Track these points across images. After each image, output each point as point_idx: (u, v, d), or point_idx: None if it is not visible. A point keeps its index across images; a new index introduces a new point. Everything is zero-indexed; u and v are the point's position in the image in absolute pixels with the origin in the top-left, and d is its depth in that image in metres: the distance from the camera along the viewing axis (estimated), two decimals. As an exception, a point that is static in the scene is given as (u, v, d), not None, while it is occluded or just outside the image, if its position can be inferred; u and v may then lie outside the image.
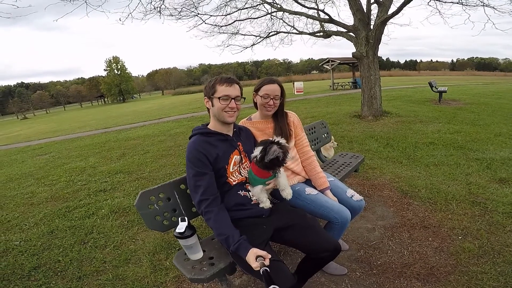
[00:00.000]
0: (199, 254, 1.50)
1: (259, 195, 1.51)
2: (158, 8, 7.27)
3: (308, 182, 1.90)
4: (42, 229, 2.93)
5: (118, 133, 9.68)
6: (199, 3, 7.69)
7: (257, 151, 1.44)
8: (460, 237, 2.19)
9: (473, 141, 4.67)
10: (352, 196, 1.80)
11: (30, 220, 3.18)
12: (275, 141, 1.41)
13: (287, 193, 1.59)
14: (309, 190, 1.76)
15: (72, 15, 5.45)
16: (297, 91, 18.86)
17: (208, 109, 1.55)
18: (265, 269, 1.11)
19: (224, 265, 1.44)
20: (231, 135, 1.56)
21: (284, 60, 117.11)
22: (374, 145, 4.82)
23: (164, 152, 5.86)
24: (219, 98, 1.45)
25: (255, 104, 1.84)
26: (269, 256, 1.21)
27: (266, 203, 1.52)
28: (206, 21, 8.34)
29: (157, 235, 2.57)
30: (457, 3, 6.69)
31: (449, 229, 2.31)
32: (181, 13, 7.73)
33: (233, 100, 1.46)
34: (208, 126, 1.56)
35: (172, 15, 7.70)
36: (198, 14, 7.99)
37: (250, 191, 1.55)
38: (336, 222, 1.62)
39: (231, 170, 1.49)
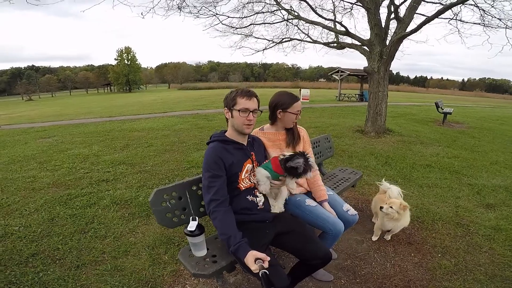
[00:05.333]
0: (203, 252, 1.60)
1: (262, 177, 1.61)
2: (179, 5, 7.38)
3: (308, 194, 2.02)
4: (43, 215, 2.95)
5: (122, 123, 9.76)
6: (217, 2, 7.79)
7: (287, 154, 1.58)
8: (439, 255, 2.36)
9: (469, 167, 4.80)
10: (348, 210, 1.93)
11: (31, 206, 3.19)
12: (306, 155, 1.54)
13: (278, 207, 1.72)
14: (309, 202, 1.88)
15: (98, 6, 5.49)
16: (302, 99, 18.90)
17: (227, 119, 1.63)
18: (264, 271, 1.15)
19: (225, 263, 1.53)
20: (245, 145, 1.66)
21: (292, 65, 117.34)
22: (373, 162, 4.91)
23: (168, 147, 5.94)
24: (239, 110, 1.54)
25: (276, 118, 1.91)
26: (268, 258, 1.26)
27: (265, 187, 1.62)
28: (222, 22, 8.45)
29: (157, 229, 2.64)
30: (479, 23, 6.74)
31: (431, 247, 2.47)
32: (200, 11, 7.86)
33: (251, 113, 1.55)
34: (225, 134, 1.65)
35: (191, 13, 7.85)
36: (216, 14, 8.09)
37: (257, 196, 1.65)
38: (330, 232, 1.75)
39: (242, 176, 1.59)
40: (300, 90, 20.01)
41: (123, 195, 3.43)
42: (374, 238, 2.56)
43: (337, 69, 21.85)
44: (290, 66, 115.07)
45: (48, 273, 2.07)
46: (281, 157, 1.59)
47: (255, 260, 1.25)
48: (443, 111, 9.84)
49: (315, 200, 1.94)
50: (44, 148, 6.19)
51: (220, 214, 1.45)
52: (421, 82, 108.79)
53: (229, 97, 1.58)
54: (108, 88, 62.39)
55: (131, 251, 2.34)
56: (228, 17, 8.42)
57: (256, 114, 1.59)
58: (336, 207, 1.93)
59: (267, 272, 1.14)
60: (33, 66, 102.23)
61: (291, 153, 1.59)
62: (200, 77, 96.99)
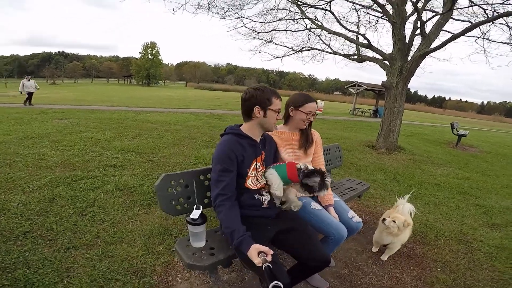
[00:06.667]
0: (202, 243, 1.58)
1: (276, 180, 1.59)
2: (208, 5, 7.54)
3: (314, 197, 1.98)
4: (44, 194, 2.94)
5: (137, 113, 9.96)
6: (243, 5, 7.89)
7: (311, 167, 1.58)
8: (439, 269, 2.34)
9: (478, 189, 4.74)
10: (353, 217, 1.92)
11: (35, 183, 3.18)
12: (325, 176, 1.53)
13: (296, 205, 1.71)
14: (314, 205, 1.87)
15: None
16: (316, 110, 18.78)
17: (250, 116, 1.57)
18: (267, 265, 1.13)
19: (223, 257, 1.51)
20: (258, 142, 1.63)
21: (309, 75, 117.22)
22: (381, 177, 4.83)
23: (178, 141, 5.98)
24: (274, 110, 1.56)
25: (288, 116, 1.92)
26: (272, 252, 1.25)
27: (279, 192, 1.59)
28: (246, 25, 8.57)
29: (156, 219, 2.63)
30: (507, 43, 6.59)
31: (431, 261, 2.45)
32: (226, 12, 7.98)
33: (278, 113, 1.60)
34: (241, 128, 1.63)
35: (218, 14, 7.99)
36: (241, 17, 8.20)
37: (263, 195, 1.64)
38: (332, 237, 1.73)
39: (249, 174, 1.57)
40: (315, 100, 19.88)
41: (127, 182, 3.44)
42: (374, 250, 2.52)
43: (354, 83, 21.70)
44: (306, 76, 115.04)
45: (36, 253, 2.01)
46: (300, 166, 1.56)
47: (258, 253, 1.25)
48: (458, 133, 9.58)
49: (320, 204, 1.92)
50: (59, 128, 6.37)
51: (225, 208, 1.44)
52: (438, 102, 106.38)
53: (262, 96, 1.54)
54: (128, 80, 63.83)
55: (126, 238, 2.31)
56: (252, 20, 8.53)
57: None
58: (341, 214, 1.92)
59: (270, 266, 1.13)
60: (63, 52, 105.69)
61: (311, 169, 1.55)
62: (217, 78, 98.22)
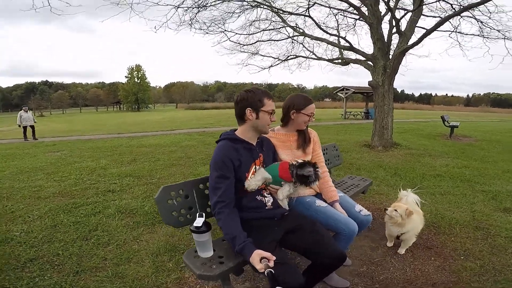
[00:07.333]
0: (210, 252, 1.53)
1: (257, 176, 1.54)
2: (190, 21, 7.62)
3: (318, 195, 1.97)
4: (46, 222, 2.93)
5: (130, 139, 9.90)
6: (225, 19, 8.03)
7: (299, 160, 1.55)
8: (462, 257, 2.29)
9: (481, 176, 4.78)
10: (361, 211, 1.87)
11: (35, 213, 3.18)
12: (316, 167, 1.52)
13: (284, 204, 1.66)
14: (319, 202, 1.82)
15: (115, 19, 5.68)
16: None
17: (243, 119, 1.57)
18: (269, 270, 1.11)
19: (233, 264, 1.47)
20: (254, 145, 1.62)
21: (298, 85, 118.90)
22: (382, 173, 4.86)
23: (175, 161, 5.95)
24: (267, 112, 1.54)
25: (289, 119, 1.91)
26: (274, 258, 1.23)
27: (252, 186, 1.51)
28: (230, 39, 8.68)
29: (161, 237, 2.58)
30: (478, 35, 6.91)
31: (451, 250, 2.40)
32: (209, 28, 8.07)
33: (272, 114, 1.58)
34: (236, 133, 1.61)
35: (201, 29, 8.06)
36: (225, 31, 8.32)
37: (266, 196, 1.61)
38: (343, 233, 1.68)
39: (249, 178, 1.55)
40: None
41: (128, 204, 3.40)
42: (389, 244, 2.48)
43: (342, 87, 22.09)
44: (295, 86, 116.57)
45: (45, 278, 2.00)
46: (293, 163, 1.55)
47: (260, 259, 1.23)
48: (450, 124, 9.79)
49: (325, 201, 1.88)
50: (53, 160, 6.28)
51: (224, 215, 1.42)
52: (426, 99, 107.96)
53: (253, 98, 1.53)
54: (118, 106, 63.65)
55: (134, 258, 2.27)
56: (236, 33, 8.66)
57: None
58: (349, 209, 1.87)
59: (273, 271, 1.12)
60: (46, 81, 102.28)
61: (302, 161, 1.55)
62: (207, 97, 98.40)
